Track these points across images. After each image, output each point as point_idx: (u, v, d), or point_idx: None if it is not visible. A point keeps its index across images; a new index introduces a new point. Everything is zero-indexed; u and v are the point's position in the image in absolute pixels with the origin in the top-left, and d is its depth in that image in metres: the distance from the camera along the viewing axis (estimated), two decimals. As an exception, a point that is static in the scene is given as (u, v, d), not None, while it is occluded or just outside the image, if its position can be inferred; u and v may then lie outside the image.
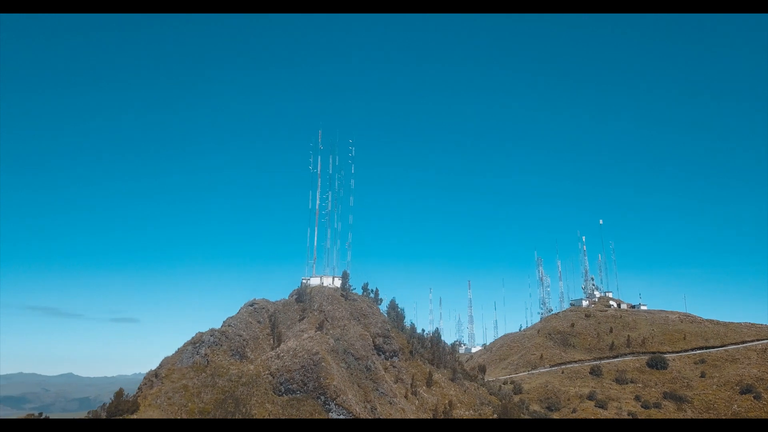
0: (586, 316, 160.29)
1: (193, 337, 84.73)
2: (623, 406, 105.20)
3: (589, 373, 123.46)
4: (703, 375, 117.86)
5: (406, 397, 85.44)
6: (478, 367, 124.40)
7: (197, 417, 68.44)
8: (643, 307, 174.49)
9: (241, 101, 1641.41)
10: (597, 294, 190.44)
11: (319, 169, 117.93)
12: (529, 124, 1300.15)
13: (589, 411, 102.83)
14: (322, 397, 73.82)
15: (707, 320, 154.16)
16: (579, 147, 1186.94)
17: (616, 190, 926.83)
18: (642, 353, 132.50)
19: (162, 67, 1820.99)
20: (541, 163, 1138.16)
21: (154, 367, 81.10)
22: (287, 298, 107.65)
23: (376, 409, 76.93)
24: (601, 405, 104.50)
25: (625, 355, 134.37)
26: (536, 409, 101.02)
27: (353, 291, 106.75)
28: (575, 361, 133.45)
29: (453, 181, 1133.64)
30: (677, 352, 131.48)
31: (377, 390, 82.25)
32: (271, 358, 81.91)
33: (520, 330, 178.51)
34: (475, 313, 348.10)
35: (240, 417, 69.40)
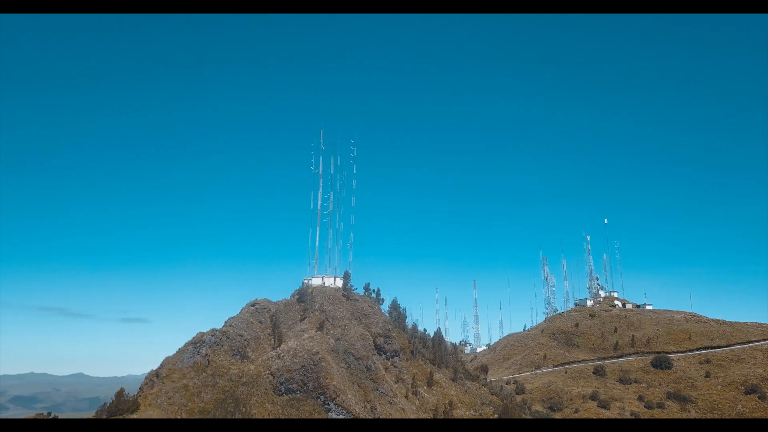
0: (590, 315, 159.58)
1: (194, 337, 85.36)
2: (626, 406, 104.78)
3: (593, 373, 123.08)
4: (707, 375, 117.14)
5: (406, 396, 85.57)
6: (481, 367, 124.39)
7: (197, 417, 68.98)
8: (648, 307, 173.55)
9: (244, 102, 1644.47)
10: (602, 293, 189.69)
11: (320, 170, 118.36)
12: (535, 124, 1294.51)
13: (591, 411, 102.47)
14: (322, 397, 74.18)
15: (713, 320, 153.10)
16: (584, 147, 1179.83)
17: (621, 190, 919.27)
18: (646, 353, 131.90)
19: (169, 68, 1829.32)
20: (546, 163, 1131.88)
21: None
22: (289, 298, 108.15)
23: (375, 408, 77.15)
24: (604, 405, 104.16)
25: (630, 355, 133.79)
26: (538, 409, 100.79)
27: (355, 291, 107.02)
28: (579, 361, 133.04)
29: (457, 182, 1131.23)
30: (682, 352, 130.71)
31: (377, 390, 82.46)
32: (272, 358, 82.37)
33: (524, 330, 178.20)
34: (480, 313, 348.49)
35: (240, 417, 69.89)
